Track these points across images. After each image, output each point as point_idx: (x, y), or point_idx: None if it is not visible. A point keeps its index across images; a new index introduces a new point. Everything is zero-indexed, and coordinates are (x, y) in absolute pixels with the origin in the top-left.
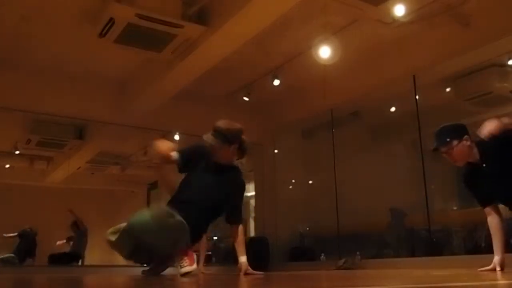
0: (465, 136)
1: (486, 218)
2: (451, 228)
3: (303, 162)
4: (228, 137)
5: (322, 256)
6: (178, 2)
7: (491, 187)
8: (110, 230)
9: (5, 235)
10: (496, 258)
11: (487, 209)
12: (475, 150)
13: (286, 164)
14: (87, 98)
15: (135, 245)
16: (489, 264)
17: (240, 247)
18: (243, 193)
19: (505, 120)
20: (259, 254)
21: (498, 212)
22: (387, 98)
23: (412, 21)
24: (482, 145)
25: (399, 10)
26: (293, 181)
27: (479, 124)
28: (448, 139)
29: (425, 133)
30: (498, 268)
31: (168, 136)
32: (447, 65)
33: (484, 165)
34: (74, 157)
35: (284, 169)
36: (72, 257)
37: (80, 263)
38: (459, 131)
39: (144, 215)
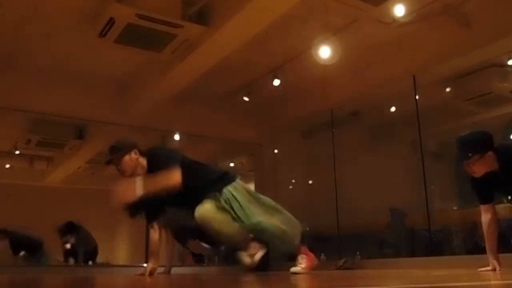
0: (489, 152)
1: (482, 215)
2: (451, 228)
3: (303, 162)
4: (117, 147)
5: (322, 256)
6: (178, 2)
7: (503, 190)
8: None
9: None
10: (494, 257)
11: (486, 207)
12: (496, 161)
13: (286, 164)
14: (87, 98)
15: None
16: (489, 264)
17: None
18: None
19: None
20: None
21: (494, 211)
22: (387, 98)
23: (412, 21)
24: (502, 152)
25: (399, 10)
26: (293, 181)
27: (479, 124)
28: (470, 154)
29: (425, 133)
30: (498, 268)
31: (168, 136)
32: (447, 65)
33: (503, 177)
34: (74, 157)
35: (284, 169)
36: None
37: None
38: (484, 145)
39: None
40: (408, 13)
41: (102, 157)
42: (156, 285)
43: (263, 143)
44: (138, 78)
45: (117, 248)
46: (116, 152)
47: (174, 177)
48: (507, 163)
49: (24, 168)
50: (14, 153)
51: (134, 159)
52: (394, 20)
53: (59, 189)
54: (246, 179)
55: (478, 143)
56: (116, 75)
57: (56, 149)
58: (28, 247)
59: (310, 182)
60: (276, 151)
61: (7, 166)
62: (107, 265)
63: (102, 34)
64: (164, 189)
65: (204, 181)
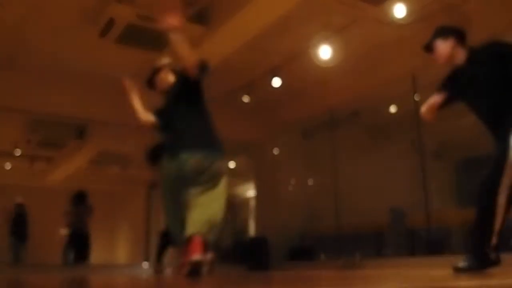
0: (451, 38)
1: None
2: (450, 227)
3: (303, 162)
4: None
5: (322, 256)
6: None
7: (470, 98)
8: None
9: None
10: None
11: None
12: (462, 54)
13: (286, 164)
14: (87, 98)
15: None
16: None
17: None
18: None
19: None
20: (259, 254)
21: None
22: (387, 98)
23: (412, 21)
24: (474, 51)
25: (399, 10)
26: (293, 181)
27: (478, 124)
28: (433, 38)
29: (425, 133)
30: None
31: None
32: (447, 65)
33: (469, 68)
34: (74, 157)
35: (284, 169)
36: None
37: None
38: (448, 32)
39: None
40: (408, 13)
41: (102, 157)
42: (156, 285)
43: (263, 143)
44: (138, 78)
45: (117, 248)
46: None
47: (194, 59)
48: (475, 59)
49: (24, 168)
50: (14, 153)
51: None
52: (394, 20)
53: (59, 189)
54: (246, 179)
55: (443, 30)
56: (116, 75)
57: (56, 149)
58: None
59: (310, 182)
60: (276, 151)
61: (7, 166)
62: (107, 265)
63: (102, 34)
64: (185, 57)
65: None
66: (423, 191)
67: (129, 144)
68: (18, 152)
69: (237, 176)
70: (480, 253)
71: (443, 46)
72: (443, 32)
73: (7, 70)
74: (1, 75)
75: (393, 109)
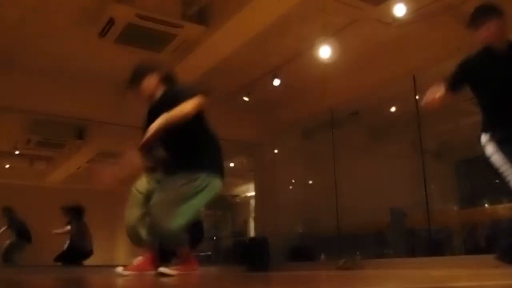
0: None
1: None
2: (451, 228)
3: (303, 162)
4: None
5: (322, 256)
6: (178, 2)
7: (495, 75)
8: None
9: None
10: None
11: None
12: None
13: (286, 164)
14: (87, 98)
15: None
16: (490, 265)
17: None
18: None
19: None
20: (259, 254)
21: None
22: (387, 98)
23: (412, 21)
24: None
25: (399, 10)
26: (293, 181)
27: (479, 124)
28: (492, 15)
29: (425, 133)
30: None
31: None
32: (447, 65)
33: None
34: (74, 157)
35: (284, 169)
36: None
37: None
38: (501, 11)
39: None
40: (408, 13)
41: (102, 157)
42: (156, 285)
43: (263, 143)
44: None
45: (117, 248)
46: (137, 75)
47: (193, 104)
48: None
49: (24, 168)
50: (14, 153)
51: (153, 83)
52: (394, 20)
53: (59, 189)
54: (246, 179)
55: (498, 7)
56: (116, 75)
57: (56, 149)
58: (20, 233)
59: (310, 182)
60: (276, 151)
61: (7, 166)
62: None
63: (102, 34)
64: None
65: (207, 148)
66: (423, 191)
67: (129, 144)
68: (17, 152)
69: (237, 176)
70: None
71: (500, 28)
72: (499, 11)
73: (7, 70)
74: (1, 75)
75: (393, 109)
